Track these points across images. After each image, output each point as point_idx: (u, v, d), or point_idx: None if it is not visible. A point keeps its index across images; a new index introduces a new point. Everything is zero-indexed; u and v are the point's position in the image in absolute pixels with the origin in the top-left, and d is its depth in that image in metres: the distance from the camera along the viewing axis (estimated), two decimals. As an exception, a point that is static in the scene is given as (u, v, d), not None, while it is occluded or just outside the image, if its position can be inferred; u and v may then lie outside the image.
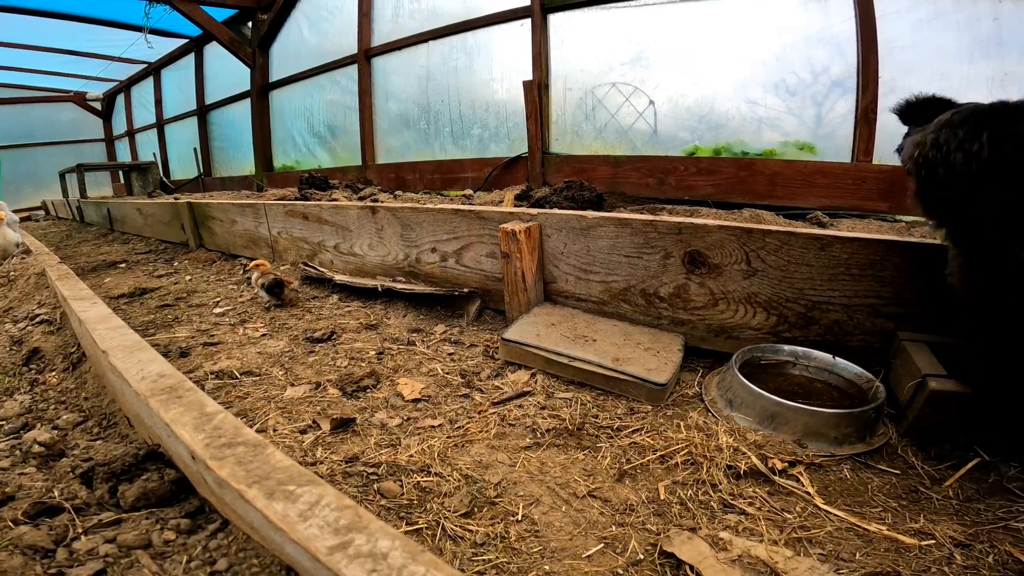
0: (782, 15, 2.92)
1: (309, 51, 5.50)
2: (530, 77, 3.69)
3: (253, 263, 2.12)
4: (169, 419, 0.81)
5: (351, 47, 4.92)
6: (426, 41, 4.37)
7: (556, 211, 1.67)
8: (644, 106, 3.41)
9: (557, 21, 3.78)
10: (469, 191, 3.56)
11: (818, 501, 0.86)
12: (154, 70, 8.80)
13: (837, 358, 1.28)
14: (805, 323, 1.35)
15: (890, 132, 2.69)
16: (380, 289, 1.96)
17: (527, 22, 3.82)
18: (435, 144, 4.42)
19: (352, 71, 4.97)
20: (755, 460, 0.94)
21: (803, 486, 0.90)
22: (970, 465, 0.96)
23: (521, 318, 1.60)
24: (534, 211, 1.71)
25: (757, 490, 0.90)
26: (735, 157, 3.05)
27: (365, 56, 4.77)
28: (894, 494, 0.90)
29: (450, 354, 1.58)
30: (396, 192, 4.30)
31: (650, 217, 1.49)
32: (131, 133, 10.27)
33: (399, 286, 1.94)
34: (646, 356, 1.37)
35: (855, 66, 2.75)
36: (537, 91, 3.59)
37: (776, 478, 0.92)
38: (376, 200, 3.51)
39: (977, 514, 0.84)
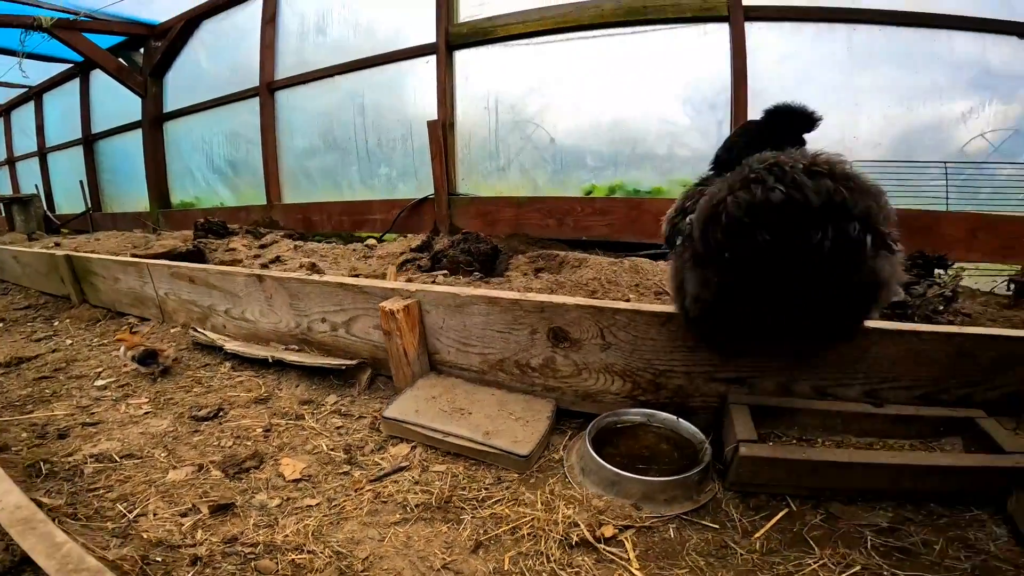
0: (676, 55, 3.25)
1: (208, 82, 5.30)
2: (435, 116, 3.80)
3: (117, 336, 2.06)
4: (27, 548, 0.94)
5: (253, 79, 4.81)
6: (332, 76, 4.37)
7: (434, 288, 1.75)
8: (545, 144, 3.62)
9: (463, 59, 3.91)
10: (372, 240, 3.59)
11: (634, 567, 1.00)
12: (35, 94, 8.09)
13: (680, 420, 1.46)
14: (655, 388, 1.53)
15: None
16: (271, 360, 1.97)
17: (432, 59, 3.93)
18: (343, 183, 4.41)
19: (254, 104, 4.85)
20: (585, 531, 1.07)
21: (625, 553, 1.03)
22: (778, 516, 1.13)
23: (405, 391, 1.68)
24: (413, 287, 1.79)
25: (585, 558, 1.02)
26: (627, 197, 3.31)
27: (268, 89, 4.69)
28: (706, 551, 1.05)
29: (338, 427, 1.62)
30: (302, 235, 4.24)
31: (516, 296, 1.61)
32: (11, 162, 9.34)
33: (290, 357, 1.95)
34: (516, 427, 1.48)
35: (730, 103, 3.11)
36: (442, 131, 3.70)
37: (601, 547, 1.05)
38: (276, 246, 3.46)
39: (771, 568, 1.00)
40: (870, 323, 1.35)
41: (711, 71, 3.18)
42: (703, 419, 1.45)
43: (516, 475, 1.34)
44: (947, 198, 2.78)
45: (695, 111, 3.25)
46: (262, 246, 3.74)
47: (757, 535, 1.09)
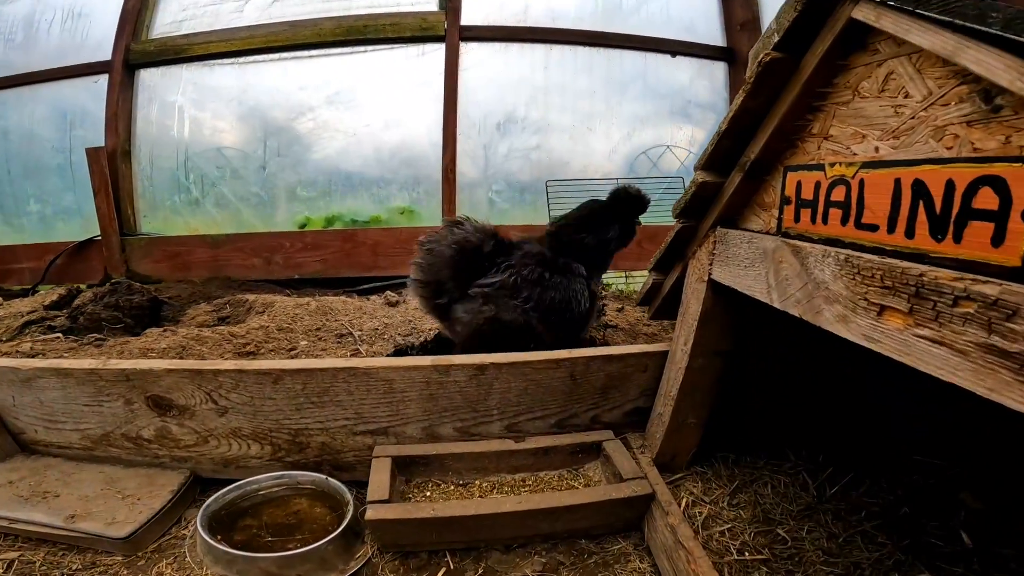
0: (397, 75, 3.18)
1: None
2: (101, 143, 3.10)
3: None
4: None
5: None
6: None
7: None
8: (252, 172, 3.22)
9: (149, 79, 3.30)
10: None
11: None
12: None
13: (329, 478, 1.29)
14: (299, 448, 1.34)
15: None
16: None
17: (103, 79, 3.22)
18: (-24, 225, 3.33)
19: None
20: None
21: None
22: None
23: None
24: None
25: None
26: (343, 228, 3.09)
27: None
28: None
29: None
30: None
31: (93, 365, 1.26)
32: None
33: None
34: (120, 506, 1.21)
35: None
36: (109, 161, 3.01)
37: None
38: None
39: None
40: (489, 358, 1.34)
41: (429, 92, 3.20)
42: (363, 471, 1.30)
43: (120, 558, 1.10)
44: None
45: (416, 134, 3.23)
46: None
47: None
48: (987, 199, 0.51)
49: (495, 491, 1.33)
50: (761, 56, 0.80)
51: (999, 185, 0.50)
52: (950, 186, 0.56)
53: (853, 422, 1.44)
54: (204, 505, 1.18)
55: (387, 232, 2.99)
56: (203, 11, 3.42)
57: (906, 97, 0.64)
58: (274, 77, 3.29)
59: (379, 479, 1.21)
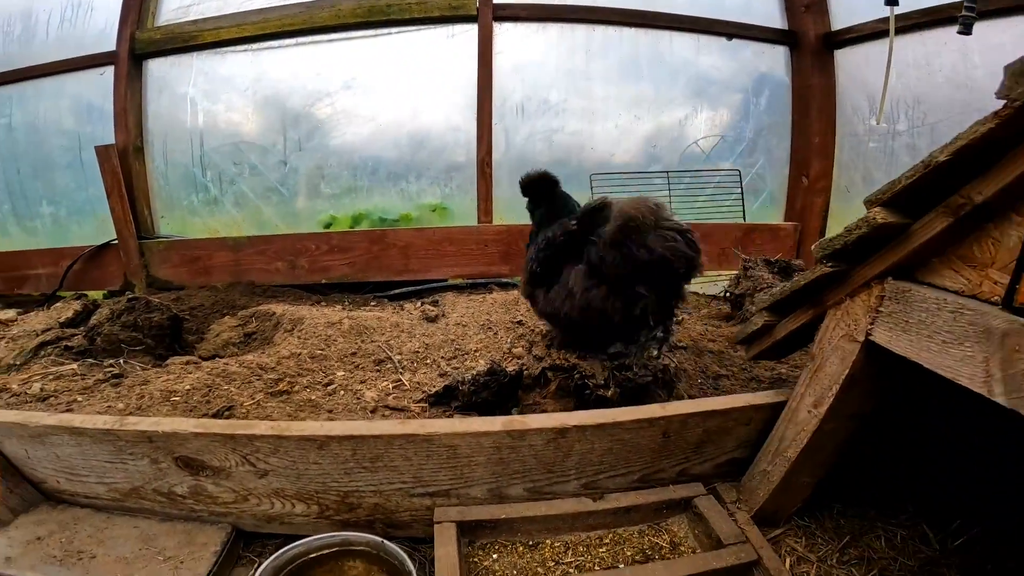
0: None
1: None
2: (111, 141, 2.92)
3: None
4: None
5: None
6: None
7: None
8: (273, 167, 3.03)
9: (158, 70, 3.10)
10: (10, 312, 2.59)
11: None
12: None
13: (385, 541, 1.14)
14: (349, 508, 1.20)
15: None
16: None
17: (108, 71, 3.03)
18: (-10, 227, 3.21)
19: None
20: None
21: None
22: None
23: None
24: None
25: None
26: (371, 228, 2.90)
27: None
28: None
29: None
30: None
31: (107, 424, 1.11)
32: None
33: None
34: (161, 571, 1.08)
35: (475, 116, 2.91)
36: (120, 159, 2.84)
37: None
38: None
39: None
40: (571, 419, 1.16)
41: (460, 77, 2.96)
42: (421, 528, 1.20)
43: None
44: (671, 207, 2.96)
45: (446, 123, 3.00)
46: None
47: None
48: None
49: (568, 552, 1.17)
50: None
51: None
52: None
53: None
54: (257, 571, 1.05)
55: (418, 232, 2.80)
56: None
57: None
58: (291, 64, 3.07)
59: (447, 554, 1.07)
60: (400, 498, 1.19)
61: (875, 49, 2.80)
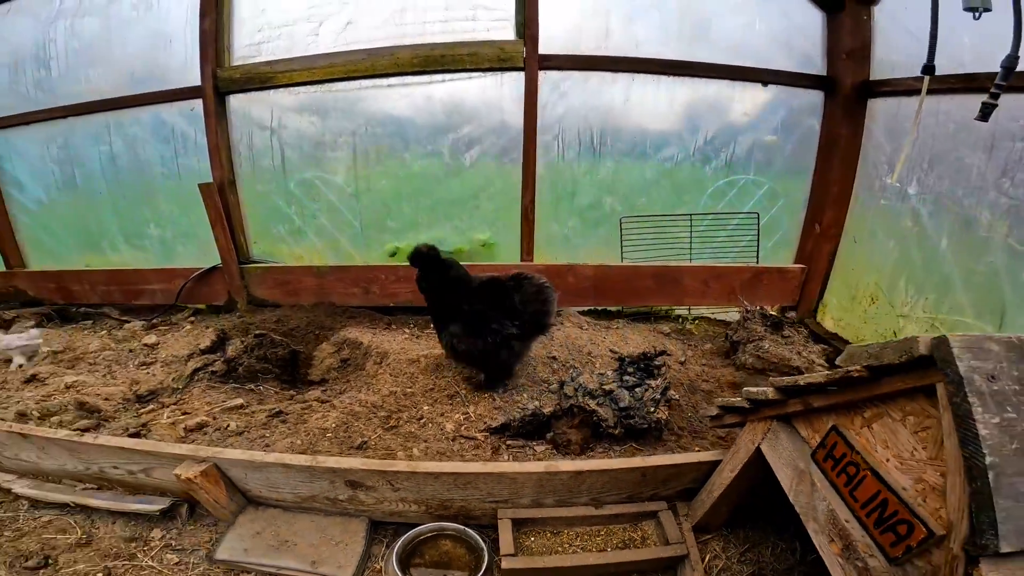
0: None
1: None
2: (200, 167, 3.83)
3: None
4: None
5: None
6: (64, 117, 4.07)
7: (227, 454, 2.11)
8: (345, 200, 3.90)
9: (239, 106, 3.89)
10: (152, 337, 3.62)
11: None
12: None
13: (466, 528, 2.12)
14: (444, 508, 2.16)
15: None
16: (73, 505, 2.21)
17: (197, 105, 3.89)
18: (103, 244, 4.22)
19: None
20: None
21: None
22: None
23: (228, 532, 2.09)
24: (204, 451, 2.13)
25: None
26: (429, 259, 3.81)
27: (-27, 129, 4.19)
28: None
29: (176, 564, 1.97)
30: (62, 310, 4.06)
31: (308, 463, 2.07)
32: None
33: (95, 502, 2.20)
34: (336, 552, 2.03)
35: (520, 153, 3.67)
36: (220, 194, 3.78)
37: None
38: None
39: None
40: (584, 466, 2.10)
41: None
42: (488, 520, 2.16)
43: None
44: (691, 249, 3.76)
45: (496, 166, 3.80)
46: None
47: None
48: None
49: (577, 538, 2.14)
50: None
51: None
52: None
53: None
54: (393, 550, 1.99)
55: (468, 268, 3.68)
56: (278, 32, 3.92)
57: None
58: (355, 105, 3.85)
59: (506, 538, 2.03)
60: (477, 503, 2.15)
61: (909, 106, 3.07)
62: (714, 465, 2.05)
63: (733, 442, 1.97)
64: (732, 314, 4.02)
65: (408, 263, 2.86)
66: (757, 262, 3.78)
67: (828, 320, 3.81)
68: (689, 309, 3.88)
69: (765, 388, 1.68)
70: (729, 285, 3.70)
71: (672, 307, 3.90)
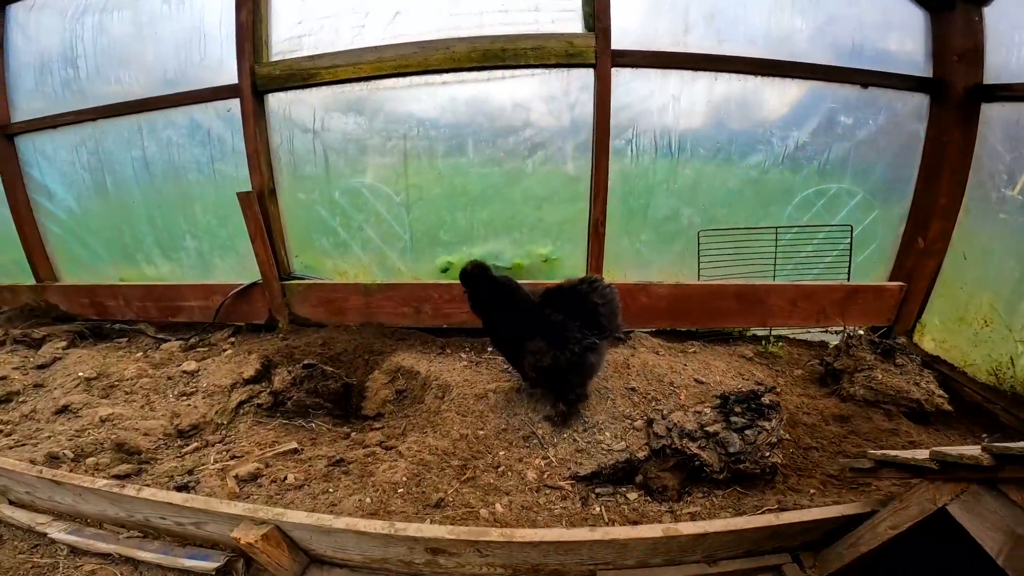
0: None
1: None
2: (238, 172, 3.57)
3: None
4: None
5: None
6: (94, 120, 3.84)
7: (289, 518, 1.84)
8: (395, 213, 3.60)
9: (278, 106, 3.63)
10: (192, 363, 3.37)
11: None
12: None
13: None
14: (535, 571, 1.90)
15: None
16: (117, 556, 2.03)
17: (234, 106, 3.63)
18: (138, 257, 3.99)
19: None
20: None
21: None
22: None
23: None
24: (264, 513, 1.87)
25: None
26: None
27: (3, 134, 3.97)
28: None
29: None
30: (97, 326, 3.85)
31: (385, 531, 1.81)
32: None
33: (143, 555, 2.01)
34: None
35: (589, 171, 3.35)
36: (259, 203, 3.51)
37: None
38: (62, 366, 3.11)
39: None
40: (709, 527, 1.80)
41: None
42: None
43: None
44: (775, 264, 3.41)
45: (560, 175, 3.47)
46: (40, 366, 3.35)
47: None
48: None
49: None
50: None
51: None
52: None
53: None
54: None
55: (531, 287, 3.36)
56: (320, 25, 3.63)
57: None
58: (406, 104, 3.56)
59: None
60: (575, 566, 1.86)
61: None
62: (853, 519, 1.80)
63: (869, 492, 1.79)
64: (814, 333, 3.69)
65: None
66: (848, 279, 3.42)
67: (927, 341, 3.44)
68: (770, 329, 3.53)
69: (972, 452, 1.43)
70: (819, 305, 3.35)
71: (748, 327, 3.55)
